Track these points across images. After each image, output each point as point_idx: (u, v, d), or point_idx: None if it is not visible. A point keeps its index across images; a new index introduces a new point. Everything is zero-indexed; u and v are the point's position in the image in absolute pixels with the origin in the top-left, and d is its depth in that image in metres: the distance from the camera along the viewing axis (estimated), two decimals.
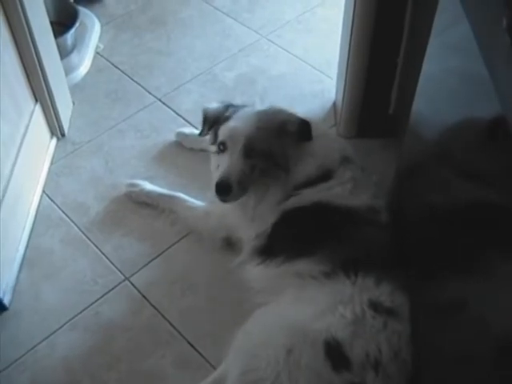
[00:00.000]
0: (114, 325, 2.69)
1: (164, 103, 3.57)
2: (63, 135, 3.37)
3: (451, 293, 1.92)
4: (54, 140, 3.34)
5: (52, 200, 3.11)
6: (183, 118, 3.47)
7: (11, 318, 2.70)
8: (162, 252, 2.91)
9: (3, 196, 2.73)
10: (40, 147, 3.21)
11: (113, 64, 3.80)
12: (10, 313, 2.71)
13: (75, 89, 3.60)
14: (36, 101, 3.13)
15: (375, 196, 2.59)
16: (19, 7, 2.80)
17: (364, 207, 2.53)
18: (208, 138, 2.78)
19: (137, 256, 2.90)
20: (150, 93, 3.62)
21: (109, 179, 3.20)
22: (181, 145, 3.32)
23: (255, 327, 2.33)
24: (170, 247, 2.92)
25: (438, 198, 2.12)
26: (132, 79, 3.70)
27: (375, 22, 2.85)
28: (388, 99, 3.10)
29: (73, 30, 3.64)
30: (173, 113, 3.51)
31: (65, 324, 2.69)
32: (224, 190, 2.51)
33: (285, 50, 3.87)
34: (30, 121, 3.03)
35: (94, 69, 3.77)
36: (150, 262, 2.88)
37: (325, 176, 2.59)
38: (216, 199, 2.59)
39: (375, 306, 2.23)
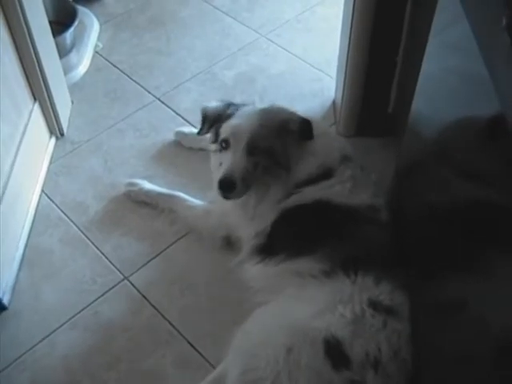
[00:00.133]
0: (114, 324, 2.69)
1: (163, 102, 3.57)
2: (62, 134, 3.37)
3: (451, 292, 1.92)
4: (53, 139, 3.34)
5: (51, 199, 3.11)
6: (182, 118, 3.47)
7: (11, 318, 2.69)
8: (162, 251, 2.91)
9: (2, 195, 2.73)
10: (39, 146, 3.21)
11: (112, 63, 3.79)
12: (9, 312, 2.71)
13: (74, 88, 3.60)
14: (35, 100, 3.13)
15: (375, 195, 2.59)
16: (18, 7, 2.80)
17: (364, 206, 2.53)
18: (207, 137, 2.78)
19: (136, 255, 2.90)
20: (149, 92, 3.62)
21: (108, 178, 3.20)
22: (180, 144, 3.32)
23: (255, 326, 2.33)
24: (169, 246, 2.92)
25: (437, 197, 2.12)
26: (131, 78, 3.70)
27: (375, 21, 2.85)
28: (387, 98, 3.10)
29: (72, 29, 3.64)
30: (172, 112, 3.51)
31: (64, 323, 2.69)
32: (228, 186, 2.51)
33: (284, 48, 3.87)
34: (28, 120, 3.03)
35: (93, 68, 3.77)
36: (149, 262, 2.87)
37: (325, 174, 2.60)
38: (216, 197, 2.60)
39: (375, 305, 2.23)
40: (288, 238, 2.56)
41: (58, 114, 3.27)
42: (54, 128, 3.31)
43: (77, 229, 3.00)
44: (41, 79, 3.07)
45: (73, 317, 2.71)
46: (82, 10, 3.87)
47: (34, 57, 2.98)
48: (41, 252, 2.92)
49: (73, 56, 3.71)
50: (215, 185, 2.55)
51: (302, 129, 2.60)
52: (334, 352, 2.11)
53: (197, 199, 2.97)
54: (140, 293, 2.77)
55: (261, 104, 2.84)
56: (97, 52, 3.85)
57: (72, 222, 3.03)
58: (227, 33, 3.98)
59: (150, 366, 2.56)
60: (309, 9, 4.13)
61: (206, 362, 2.55)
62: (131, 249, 2.93)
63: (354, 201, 2.52)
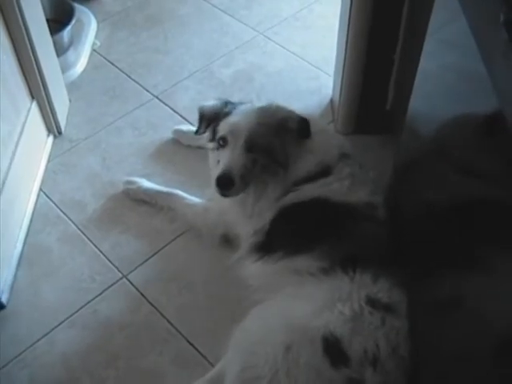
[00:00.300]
0: (112, 322, 2.69)
1: (161, 100, 3.56)
2: (60, 133, 3.37)
3: (449, 289, 1.92)
4: (51, 138, 3.34)
5: (49, 198, 3.11)
6: (180, 116, 3.46)
7: (10, 316, 2.69)
8: (160, 249, 2.91)
9: (0, 193, 2.73)
10: (37, 145, 3.21)
11: (110, 61, 3.79)
12: (8, 311, 2.71)
13: (72, 86, 3.60)
14: (33, 98, 3.13)
15: (373, 192, 2.60)
16: (15, 5, 2.80)
17: (362, 203, 2.53)
18: (205, 135, 2.78)
19: (134, 253, 2.90)
20: (147, 90, 3.62)
21: (106, 177, 3.20)
22: (178, 142, 3.32)
23: (253, 324, 2.33)
24: (167, 244, 2.92)
25: (435, 194, 2.13)
26: (129, 76, 3.70)
27: (372, 19, 2.85)
28: (385, 95, 3.11)
29: (69, 28, 3.64)
30: (170, 110, 3.51)
31: (63, 321, 2.69)
32: (226, 183, 2.51)
33: (282, 46, 3.87)
34: (26, 119, 3.03)
35: (91, 66, 3.77)
36: (147, 260, 2.87)
37: (323, 172, 2.60)
38: (215, 195, 2.60)
39: (373, 302, 2.23)
40: (286, 235, 2.56)
41: (55, 113, 3.27)
42: (52, 126, 3.31)
43: (75, 227, 3.00)
44: (38, 78, 3.07)
45: (72, 315, 2.71)
46: (79, 8, 3.88)
47: (31, 55, 2.98)
48: (39, 250, 2.92)
49: (70, 54, 3.71)
50: (213, 182, 2.55)
51: (300, 127, 2.61)
52: (333, 350, 2.11)
53: (195, 197, 2.98)
54: (138, 291, 2.77)
55: (259, 102, 2.84)
56: (94, 50, 3.85)
57: (70, 220, 3.02)
58: (225, 31, 3.98)
59: (148, 364, 2.56)
60: (306, 6, 4.14)
61: (204, 359, 2.56)
62: (130, 247, 2.93)
63: (352, 198, 2.52)
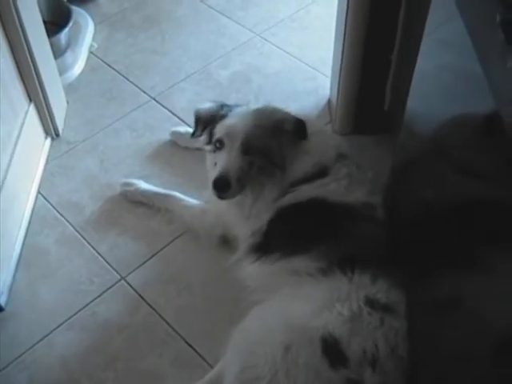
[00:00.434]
0: (111, 324, 2.69)
1: (159, 102, 3.56)
2: (58, 135, 3.37)
3: (448, 290, 1.92)
4: (49, 140, 3.34)
5: (47, 200, 3.11)
6: (178, 117, 3.47)
7: (8, 318, 2.69)
8: (158, 251, 2.91)
9: None
10: (35, 147, 3.21)
11: (107, 63, 3.79)
12: (7, 313, 2.71)
13: (69, 88, 3.60)
14: (30, 101, 3.13)
15: (371, 192, 2.60)
16: (12, 7, 2.79)
17: (360, 203, 2.53)
18: (202, 138, 2.78)
19: (132, 255, 2.90)
20: (145, 92, 3.62)
21: (104, 178, 3.20)
22: (176, 144, 3.32)
23: (252, 325, 2.34)
24: (165, 246, 2.92)
25: (433, 194, 2.13)
26: (126, 78, 3.70)
27: (369, 19, 2.85)
28: (383, 96, 3.11)
29: (66, 30, 3.64)
30: (167, 112, 3.51)
31: (62, 324, 2.69)
32: (222, 186, 2.51)
33: (279, 47, 3.87)
34: (24, 121, 3.03)
35: (88, 68, 3.77)
36: (145, 262, 2.87)
37: (321, 173, 2.60)
38: (213, 197, 2.60)
39: (372, 302, 2.23)
40: (284, 236, 2.56)
41: (53, 115, 3.27)
42: (50, 128, 3.31)
43: (73, 229, 3.00)
44: (36, 80, 3.07)
45: (70, 317, 2.71)
46: (76, 10, 3.87)
47: (29, 58, 2.98)
48: (37, 252, 2.92)
49: (68, 56, 3.71)
50: (210, 185, 2.55)
51: (297, 128, 2.61)
52: (332, 350, 2.11)
53: (193, 199, 2.98)
54: (137, 293, 2.77)
55: (256, 103, 2.85)
56: (92, 52, 3.85)
57: (68, 222, 3.02)
58: (222, 32, 3.98)
59: (147, 366, 2.56)
60: (303, 7, 4.14)
61: (203, 360, 2.56)
62: (128, 249, 2.93)
63: (349, 198, 2.53)
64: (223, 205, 2.69)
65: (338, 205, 2.51)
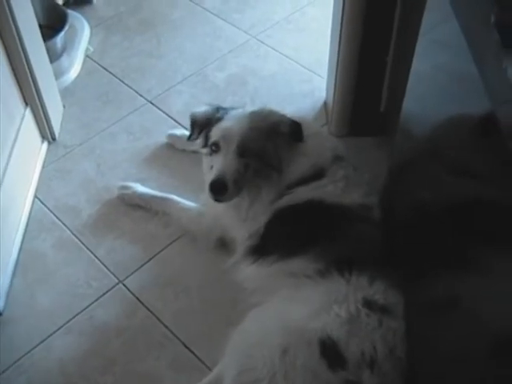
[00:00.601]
0: (109, 328, 2.69)
1: (155, 105, 3.56)
2: (54, 139, 3.37)
3: (444, 291, 1.92)
4: (46, 144, 3.33)
5: (44, 204, 3.11)
6: (174, 120, 3.46)
7: (7, 323, 2.69)
8: (155, 254, 2.91)
9: None
10: (31, 151, 3.21)
11: (103, 67, 3.79)
12: (4, 317, 2.70)
13: (66, 92, 3.60)
14: (26, 105, 3.12)
15: (367, 194, 2.60)
16: (8, 11, 2.79)
17: (356, 205, 2.54)
18: (198, 141, 2.78)
19: (130, 259, 2.90)
20: (141, 95, 3.62)
21: (101, 182, 3.20)
22: (172, 146, 3.32)
23: (250, 327, 2.34)
24: (162, 249, 2.92)
25: (430, 195, 2.13)
26: (122, 82, 3.70)
27: (364, 21, 2.86)
28: (379, 97, 3.10)
29: (62, 34, 3.64)
30: (164, 115, 3.51)
31: (60, 328, 2.69)
32: (219, 189, 2.52)
33: (275, 49, 3.87)
34: (20, 125, 3.03)
35: (85, 72, 3.76)
36: (143, 265, 2.87)
37: (317, 175, 2.60)
38: (209, 200, 2.60)
39: (370, 304, 2.23)
40: (281, 238, 2.56)
41: (49, 119, 3.27)
42: (46, 132, 3.31)
43: (70, 233, 3.00)
44: (32, 84, 3.07)
45: (68, 321, 2.71)
46: (72, 13, 3.87)
47: (24, 62, 2.97)
48: (35, 257, 2.91)
49: (64, 60, 3.70)
50: (207, 188, 2.55)
51: (293, 131, 2.61)
52: (330, 352, 2.11)
53: (190, 201, 2.97)
54: (134, 296, 2.77)
55: (252, 105, 2.85)
56: (88, 56, 3.85)
57: (65, 226, 3.02)
58: (218, 34, 3.98)
59: (145, 369, 2.56)
60: (299, 9, 4.14)
61: (201, 363, 2.56)
62: (125, 252, 2.92)
63: (346, 200, 2.53)
64: (220, 207, 2.69)
65: (335, 206, 2.51)
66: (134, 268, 2.86)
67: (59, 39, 3.64)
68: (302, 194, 2.57)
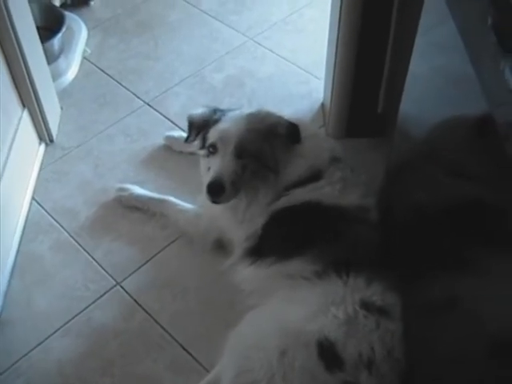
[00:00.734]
0: (107, 330, 2.69)
1: (152, 107, 3.56)
2: (52, 141, 3.37)
3: (442, 292, 1.92)
4: (43, 146, 3.33)
5: (41, 206, 3.10)
6: (172, 122, 3.46)
7: (4, 325, 2.69)
8: (153, 256, 2.91)
9: None
10: (29, 153, 3.21)
11: (100, 69, 3.79)
12: (2, 320, 2.70)
13: (63, 94, 3.60)
14: (24, 107, 3.12)
15: (365, 195, 2.60)
16: (5, 13, 2.79)
17: (354, 206, 2.54)
18: (195, 143, 2.78)
19: (127, 261, 2.89)
20: (139, 97, 3.62)
21: (98, 184, 3.20)
22: (170, 148, 3.32)
23: (248, 329, 2.34)
24: (160, 251, 2.92)
25: (426, 196, 2.13)
26: (120, 83, 3.70)
27: (362, 22, 2.86)
28: (376, 99, 3.11)
29: (60, 35, 3.64)
30: (161, 116, 3.51)
31: (58, 330, 2.68)
32: (217, 190, 2.52)
33: (272, 51, 3.87)
34: (18, 127, 3.03)
35: (82, 74, 3.76)
36: (140, 267, 2.87)
37: (315, 176, 2.60)
38: (207, 202, 2.59)
39: (367, 305, 2.23)
40: (279, 240, 2.56)
41: (47, 121, 3.27)
42: (44, 134, 3.31)
43: (68, 235, 2.99)
44: (29, 86, 3.07)
45: (66, 323, 2.71)
46: (69, 15, 3.87)
47: (22, 63, 2.97)
48: (32, 259, 2.91)
49: (61, 62, 3.70)
50: (204, 189, 2.55)
51: (290, 132, 2.61)
52: (328, 354, 2.11)
53: (188, 203, 2.97)
54: (132, 298, 2.77)
55: (249, 107, 2.85)
56: (85, 58, 3.85)
57: (63, 228, 3.02)
58: (215, 36, 3.98)
59: (143, 371, 2.55)
60: (296, 11, 4.14)
61: (199, 365, 2.55)
62: (122, 254, 2.92)
63: (343, 201, 2.53)
64: (217, 209, 2.69)
65: (333, 208, 2.52)
66: (131, 270, 2.86)
67: (56, 41, 3.64)
68: (300, 195, 2.57)
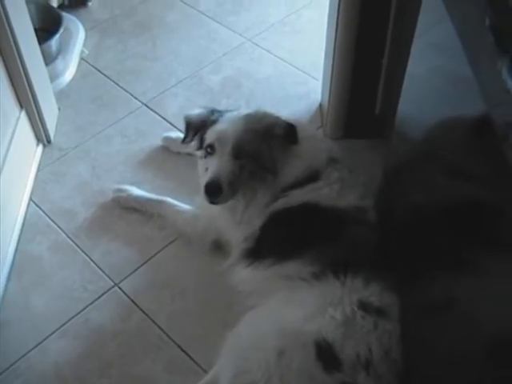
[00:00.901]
0: (104, 331, 2.68)
1: (150, 108, 3.56)
2: (49, 142, 3.36)
3: (440, 292, 1.92)
4: (41, 147, 3.33)
5: (39, 207, 3.10)
6: (169, 123, 3.46)
7: (2, 326, 2.68)
8: (151, 257, 2.90)
9: None
10: (26, 154, 3.20)
11: (98, 69, 3.79)
12: (0, 321, 2.70)
13: (61, 95, 3.59)
14: (21, 108, 3.12)
15: (363, 196, 2.60)
16: (3, 14, 2.79)
17: (352, 207, 2.54)
18: (193, 144, 2.78)
19: (125, 261, 2.89)
20: (136, 98, 3.62)
21: (96, 185, 3.19)
22: (167, 149, 3.32)
23: (246, 330, 2.34)
24: (158, 252, 2.92)
25: (425, 196, 2.13)
26: (117, 84, 3.70)
27: (360, 23, 2.86)
28: (374, 99, 3.11)
29: (57, 36, 3.64)
30: (159, 117, 3.51)
31: (55, 331, 2.68)
32: (214, 191, 2.51)
33: (270, 52, 3.87)
34: (15, 128, 3.02)
35: (80, 75, 3.76)
36: (138, 268, 2.87)
37: (312, 177, 2.60)
38: (205, 202, 2.59)
39: (365, 306, 2.23)
40: (277, 241, 2.56)
41: (44, 122, 3.27)
42: (41, 135, 3.30)
43: (65, 236, 2.99)
44: (27, 87, 3.07)
45: (64, 324, 2.71)
46: (67, 16, 3.87)
47: (19, 64, 2.97)
48: (30, 260, 2.91)
49: (59, 63, 3.70)
50: (202, 190, 2.55)
51: (287, 133, 2.61)
52: (326, 354, 2.11)
53: (185, 204, 2.97)
54: (130, 299, 2.77)
55: (247, 108, 2.85)
56: (83, 58, 3.85)
57: (60, 229, 3.02)
58: (213, 37, 3.98)
59: (141, 372, 2.55)
60: (294, 12, 4.14)
61: (197, 366, 2.55)
62: (120, 255, 2.92)
63: (341, 202, 2.53)
64: (215, 210, 2.69)
65: (330, 209, 2.51)
66: (129, 271, 2.86)
67: (54, 42, 3.64)
68: (297, 196, 2.57)
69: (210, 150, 2.58)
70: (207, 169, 2.58)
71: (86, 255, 2.92)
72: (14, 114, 3.05)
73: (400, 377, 2.13)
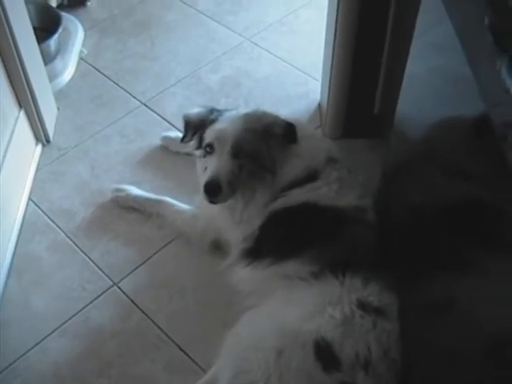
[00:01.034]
0: (104, 330, 2.68)
1: (149, 107, 3.56)
2: (48, 141, 3.36)
3: (440, 292, 1.92)
4: (40, 146, 3.33)
5: (38, 206, 3.10)
6: (168, 122, 3.46)
7: (1, 326, 2.67)
8: (150, 257, 2.90)
9: None
10: (25, 154, 3.20)
11: (97, 69, 3.79)
12: None
13: (60, 94, 3.59)
14: (20, 107, 3.12)
15: (362, 196, 2.60)
16: (2, 14, 2.79)
17: (351, 207, 2.53)
18: (192, 143, 2.78)
19: (124, 261, 2.89)
20: (135, 97, 3.62)
21: (95, 185, 3.19)
22: (166, 149, 3.32)
23: (245, 330, 2.34)
24: (157, 252, 2.92)
25: (424, 196, 2.13)
26: (116, 84, 3.69)
27: (359, 23, 2.86)
28: (373, 99, 3.11)
29: (56, 36, 3.63)
30: (158, 117, 3.51)
31: (55, 330, 2.68)
32: (214, 190, 2.51)
33: (269, 52, 3.87)
34: (14, 128, 3.02)
35: (78, 74, 3.76)
36: (138, 267, 2.87)
37: (311, 177, 2.60)
38: (204, 202, 2.59)
39: (364, 305, 2.23)
40: (276, 241, 2.56)
41: (43, 121, 3.26)
42: (40, 135, 3.30)
43: (64, 235, 2.99)
44: (26, 86, 3.06)
45: (63, 323, 2.70)
46: (66, 16, 3.86)
47: (18, 64, 2.97)
48: (29, 259, 2.91)
49: (58, 63, 3.69)
50: (201, 189, 2.55)
51: (286, 132, 2.61)
52: (325, 354, 2.11)
53: (184, 203, 2.97)
54: (129, 298, 2.77)
55: (246, 108, 2.85)
56: (82, 58, 3.84)
57: (59, 228, 3.02)
58: (212, 37, 3.98)
59: (140, 371, 2.55)
60: (293, 11, 4.14)
61: (196, 365, 2.55)
62: (119, 254, 2.92)
63: (340, 202, 2.53)
64: (214, 210, 2.69)
65: (329, 209, 2.51)
66: (128, 270, 2.86)
67: (53, 41, 3.63)
68: (296, 196, 2.57)
69: (209, 149, 2.58)
70: (206, 168, 2.58)
71: (85, 255, 2.92)
72: (12, 114, 3.05)
73: (399, 376, 2.13)
